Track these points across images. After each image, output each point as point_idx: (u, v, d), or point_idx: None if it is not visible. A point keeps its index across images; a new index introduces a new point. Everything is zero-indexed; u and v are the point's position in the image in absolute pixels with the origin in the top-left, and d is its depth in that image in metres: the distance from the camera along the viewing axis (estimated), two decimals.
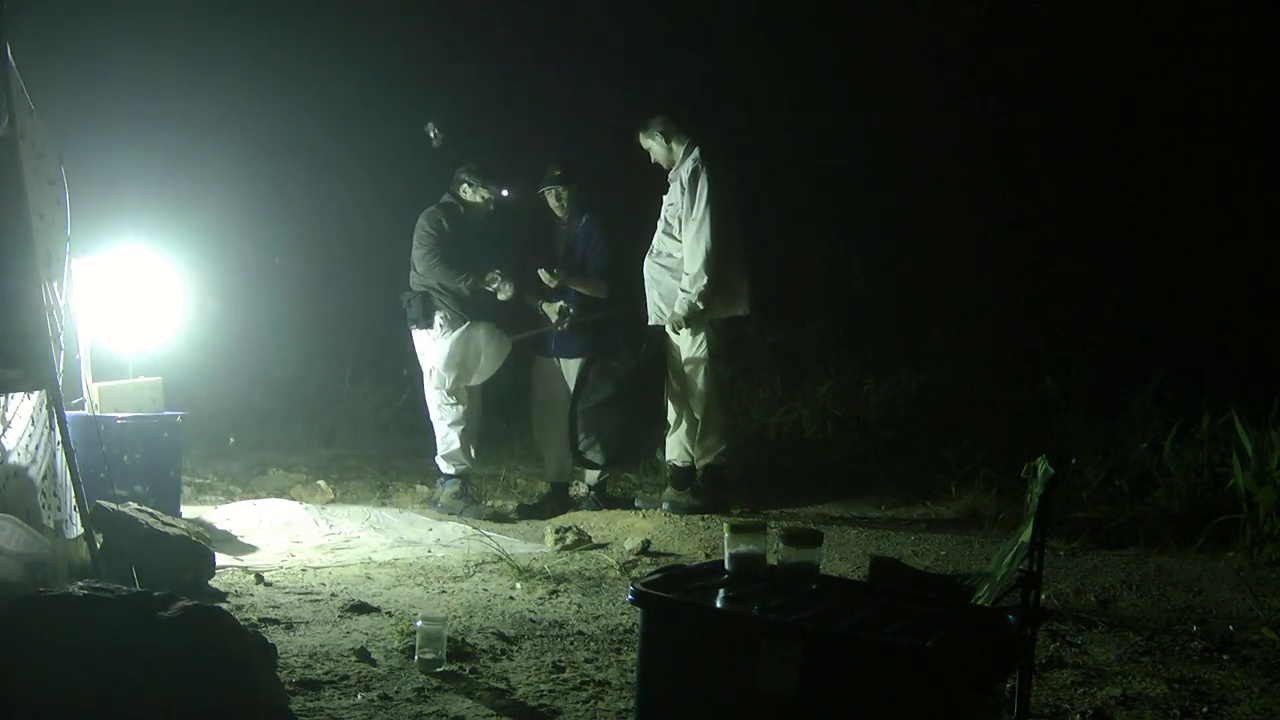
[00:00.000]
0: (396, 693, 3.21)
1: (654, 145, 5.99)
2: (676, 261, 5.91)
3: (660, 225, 6.02)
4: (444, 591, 4.42)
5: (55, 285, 4.19)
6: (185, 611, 2.71)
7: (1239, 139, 8.55)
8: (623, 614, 4.14)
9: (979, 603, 2.77)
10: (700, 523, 5.70)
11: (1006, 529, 4.83)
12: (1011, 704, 2.67)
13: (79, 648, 2.58)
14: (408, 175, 6.68)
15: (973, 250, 8.79)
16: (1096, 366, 7.20)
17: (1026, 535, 2.67)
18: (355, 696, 3.17)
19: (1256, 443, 5.23)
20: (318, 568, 4.79)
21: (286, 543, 5.32)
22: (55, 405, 3.98)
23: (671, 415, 6.10)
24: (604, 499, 6.23)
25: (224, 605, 3.87)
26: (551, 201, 6.17)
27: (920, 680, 2.13)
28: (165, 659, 2.60)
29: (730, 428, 6.15)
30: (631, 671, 3.38)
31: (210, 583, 4.30)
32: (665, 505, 5.96)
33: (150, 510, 4.51)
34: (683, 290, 5.82)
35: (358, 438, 8.07)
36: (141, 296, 5.43)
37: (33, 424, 4.09)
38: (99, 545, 4.03)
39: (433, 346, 6.11)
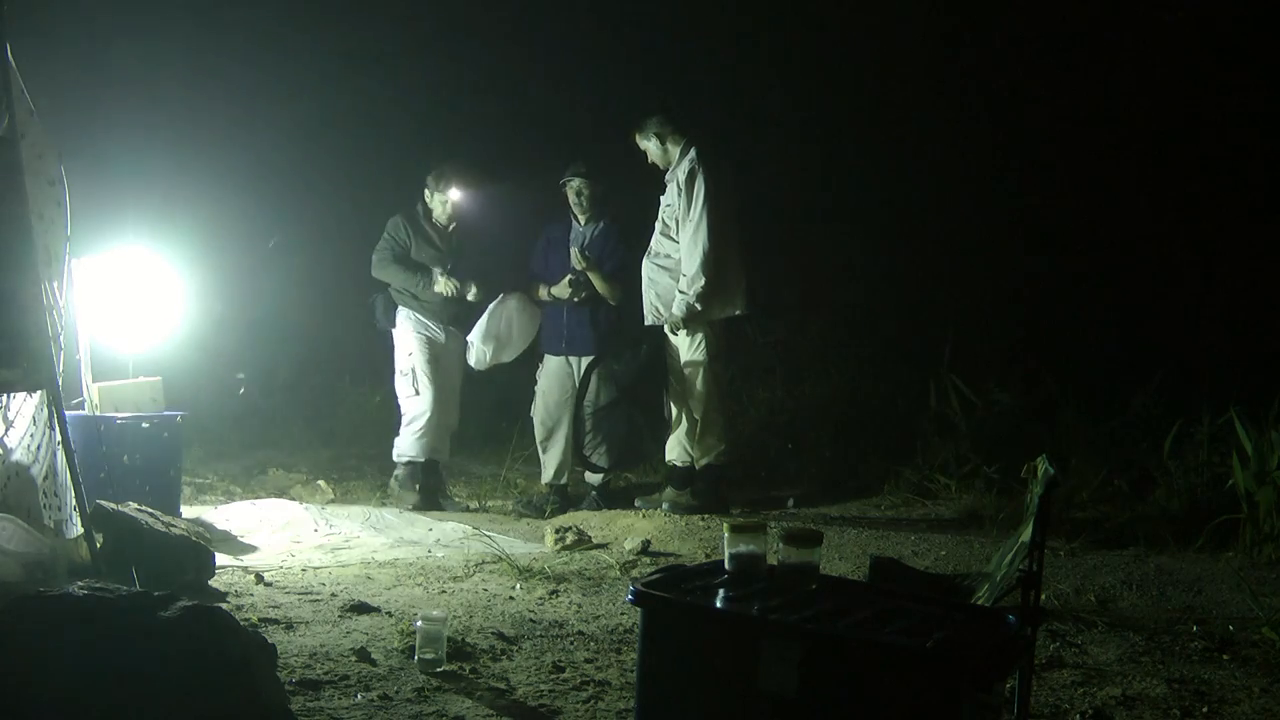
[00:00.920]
0: (396, 693, 3.21)
1: (650, 146, 5.98)
2: (674, 262, 5.91)
3: (658, 226, 6.02)
4: (444, 591, 4.43)
5: (55, 285, 4.20)
6: (185, 611, 2.71)
7: (1239, 138, 8.55)
8: (623, 614, 4.14)
9: (979, 603, 2.76)
10: (700, 523, 5.70)
11: (1006, 529, 4.83)
12: (1011, 704, 2.67)
13: (79, 648, 2.58)
14: (408, 175, 6.70)
15: (973, 250, 8.79)
16: (1096, 366, 7.19)
17: (1026, 535, 2.67)
18: (355, 696, 3.17)
19: (1256, 443, 5.23)
20: (318, 568, 4.79)
21: (286, 543, 5.32)
22: (55, 405, 3.98)
23: (671, 415, 6.10)
24: (605, 499, 6.23)
25: (224, 605, 3.87)
26: (571, 198, 6.19)
27: (920, 680, 2.13)
28: (165, 659, 2.60)
29: (730, 428, 6.15)
30: (631, 671, 3.38)
31: (210, 583, 4.30)
32: (665, 505, 5.96)
33: (150, 510, 4.51)
34: (680, 291, 5.82)
35: (358, 438, 8.07)
36: (141, 296, 5.44)
37: (33, 424, 4.10)
38: (99, 545, 4.03)
39: (402, 341, 6.32)
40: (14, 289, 3.78)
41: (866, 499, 6.52)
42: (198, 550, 4.33)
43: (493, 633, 3.81)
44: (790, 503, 6.39)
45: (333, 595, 4.27)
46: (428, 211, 6.36)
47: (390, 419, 8.53)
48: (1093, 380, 6.90)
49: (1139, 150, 8.80)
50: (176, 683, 2.59)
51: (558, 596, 4.39)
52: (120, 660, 2.58)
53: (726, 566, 2.61)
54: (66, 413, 4.12)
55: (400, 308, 6.35)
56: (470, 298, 6.22)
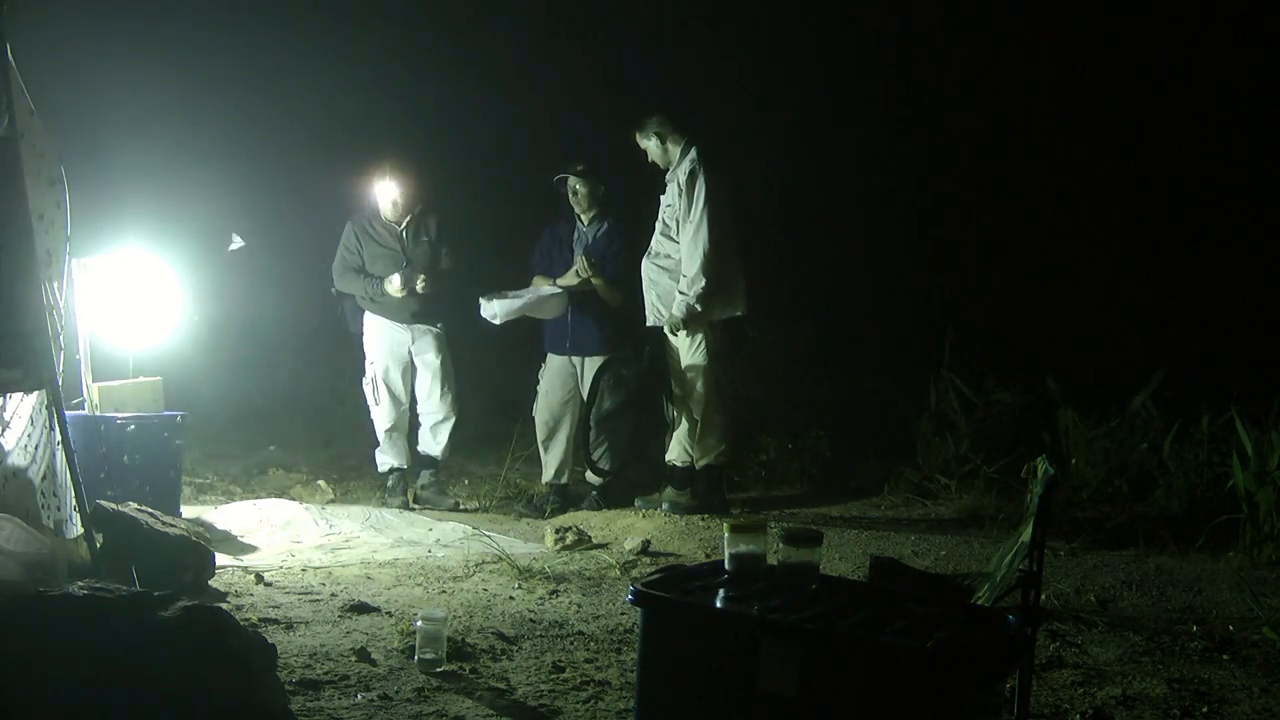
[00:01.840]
0: (396, 693, 3.22)
1: (650, 145, 5.97)
2: (674, 263, 5.90)
3: (658, 227, 6.02)
4: (444, 591, 4.43)
5: (55, 285, 4.20)
6: (185, 611, 2.71)
7: (1240, 138, 8.55)
8: (623, 614, 4.14)
9: (979, 603, 2.76)
10: (700, 523, 5.70)
11: (1006, 529, 4.83)
12: (1011, 704, 2.67)
13: (79, 648, 2.58)
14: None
15: (973, 250, 8.79)
16: (1096, 366, 7.19)
17: (1026, 535, 2.67)
18: (355, 696, 3.17)
19: (1256, 443, 5.23)
20: (318, 568, 4.79)
21: (286, 543, 5.32)
22: (55, 405, 3.98)
23: (672, 416, 6.10)
24: (605, 499, 6.23)
25: (224, 605, 3.87)
26: (569, 195, 6.19)
27: (920, 680, 2.13)
28: (165, 659, 2.60)
29: (730, 428, 6.15)
30: (631, 671, 3.38)
31: (210, 583, 4.30)
32: (665, 505, 5.96)
33: (150, 510, 4.51)
34: (681, 292, 5.82)
35: (358, 438, 8.05)
36: (141, 296, 5.44)
37: (31, 424, 4.10)
38: (99, 545, 4.03)
39: (368, 348, 6.37)
40: (14, 289, 3.78)
41: (866, 499, 6.52)
42: (198, 550, 4.33)
43: (493, 633, 3.81)
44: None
45: (333, 595, 4.27)
46: (376, 211, 6.31)
47: None
48: (1093, 380, 6.90)
49: (1140, 149, 8.80)
50: (176, 683, 2.59)
51: (558, 596, 4.39)
52: (120, 660, 2.58)
53: (726, 566, 2.61)
54: (66, 413, 4.12)
55: (365, 312, 6.35)
56: (419, 289, 6.13)
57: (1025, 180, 8.94)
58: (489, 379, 6.84)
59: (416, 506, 6.28)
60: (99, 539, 4.06)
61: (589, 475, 6.31)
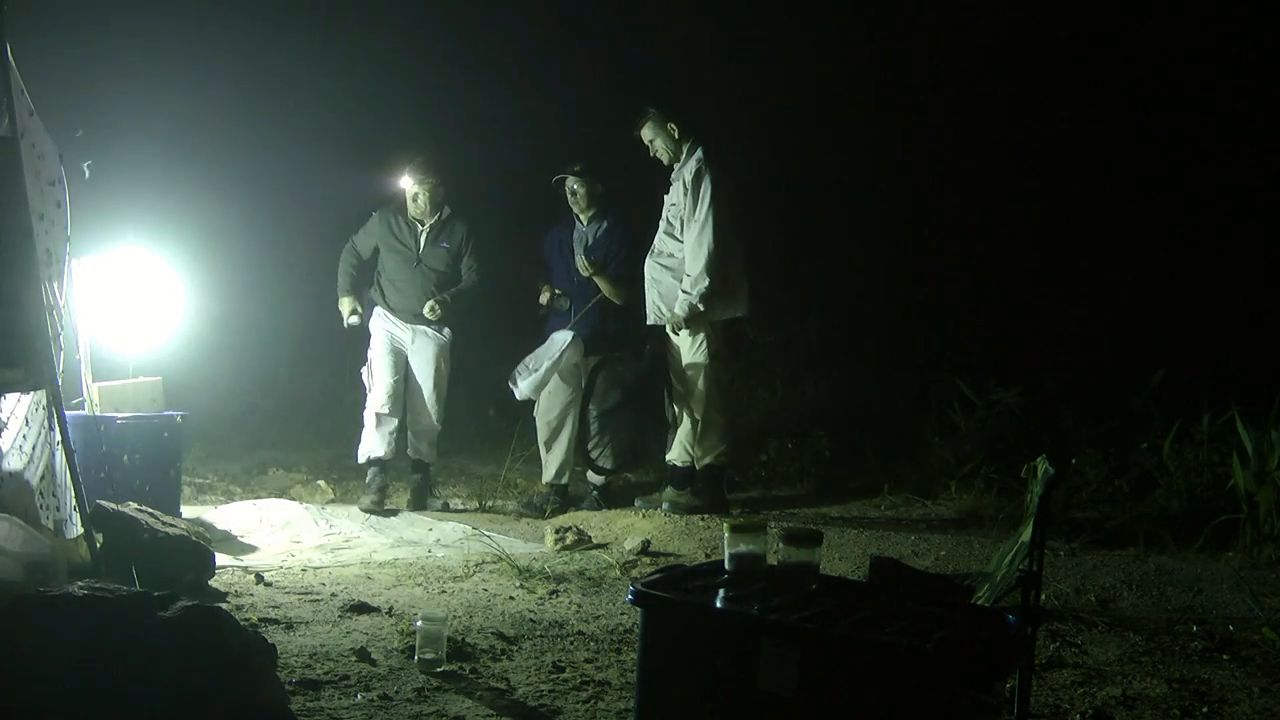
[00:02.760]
0: (396, 693, 3.21)
1: (658, 140, 5.95)
2: (677, 261, 5.90)
3: (661, 225, 6.01)
4: (444, 591, 4.43)
5: (55, 285, 4.20)
6: (185, 611, 2.71)
7: (1240, 137, 8.55)
8: (623, 614, 4.14)
9: (979, 603, 2.76)
10: (700, 523, 5.70)
11: (1006, 529, 4.83)
12: (1011, 704, 2.67)
13: (79, 648, 2.58)
14: None
15: (973, 249, 8.79)
16: (1096, 366, 7.20)
17: (1026, 535, 2.67)
18: (355, 696, 3.17)
19: (1256, 443, 5.23)
20: (318, 568, 4.80)
21: (286, 543, 5.32)
22: (55, 405, 3.98)
23: (672, 416, 6.10)
24: (605, 499, 6.23)
25: (224, 605, 3.87)
26: (568, 195, 6.19)
27: (920, 680, 2.13)
28: (165, 659, 2.60)
29: (730, 428, 6.15)
30: (631, 671, 3.38)
31: (210, 583, 4.30)
32: (665, 505, 5.96)
33: (150, 510, 4.51)
34: (684, 291, 5.81)
35: (358, 437, 8.08)
36: (141, 296, 5.44)
37: (27, 424, 4.10)
38: (99, 545, 4.03)
39: (371, 335, 6.35)
40: (14, 289, 3.78)
41: (866, 499, 6.52)
42: (198, 550, 4.33)
43: (493, 633, 3.81)
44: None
45: (333, 595, 4.27)
46: (403, 206, 6.29)
47: None
48: (1093, 380, 6.90)
49: (1143, 149, 8.80)
50: (176, 683, 2.59)
51: (558, 596, 4.39)
52: (120, 660, 2.58)
53: (726, 566, 2.61)
54: (66, 413, 4.12)
55: (375, 305, 6.36)
56: (428, 314, 6.15)
57: (1026, 180, 8.95)
58: (490, 379, 6.83)
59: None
60: (99, 539, 4.06)
61: (589, 475, 6.31)
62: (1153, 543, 5.18)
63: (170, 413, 5.45)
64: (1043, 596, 3.09)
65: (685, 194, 5.83)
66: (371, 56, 9.90)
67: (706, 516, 5.79)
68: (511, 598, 4.35)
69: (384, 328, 6.31)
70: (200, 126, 9.18)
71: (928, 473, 6.62)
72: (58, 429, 4.02)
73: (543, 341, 6.27)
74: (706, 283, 5.75)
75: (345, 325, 6.36)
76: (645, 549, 5.16)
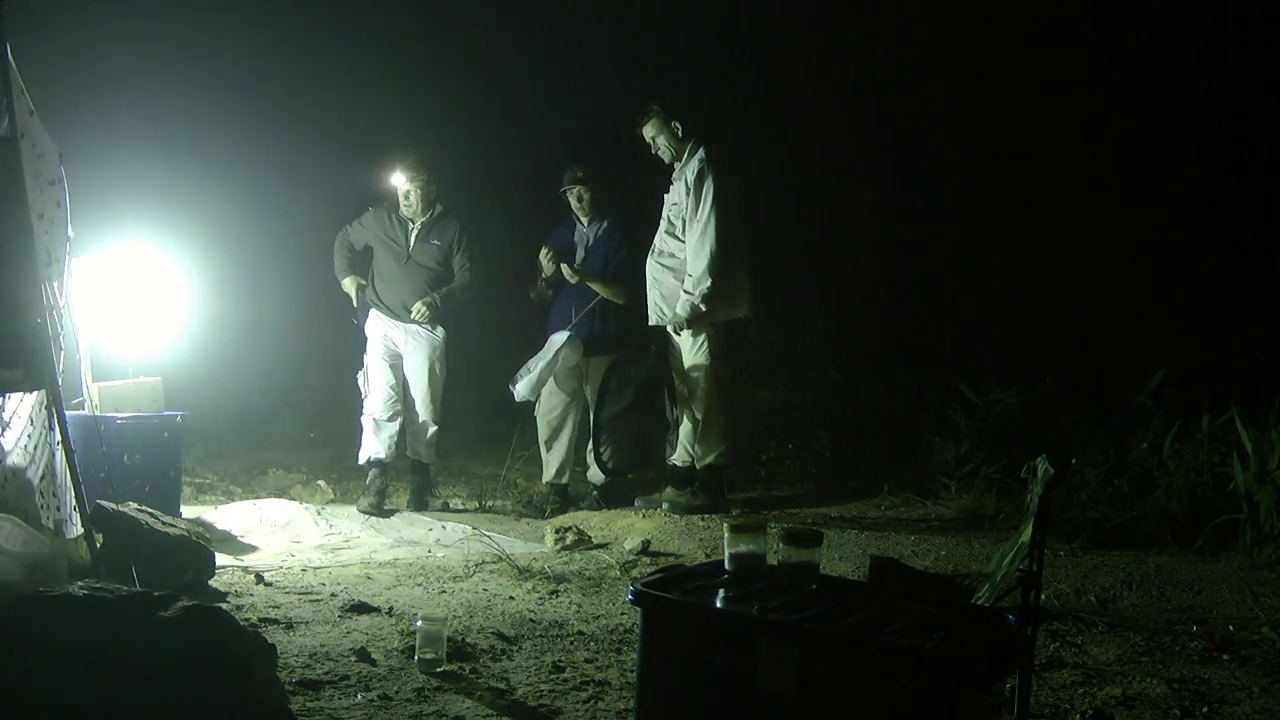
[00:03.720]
0: (396, 693, 3.21)
1: (660, 136, 5.93)
2: (678, 262, 5.89)
3: (662, 225, 6.01)
4: (444, 591, 4.43)
5: (55, 285, 4.20)
6: (185, 611, 2.71)
7: (1240, 137, 8.55)
8: (623, 614, 4.14)
9: (979, 603, 2.76)
10: (700, 523, 5.70)
11: (1006, 529, 4.83)
12: (1011, 704, 2.67)
13: (79, 648, 2.58)
14: None
15: (973, 249, 8.79)
16: (1096, 366, 7.19)
17: (1026, 535, 2.67)
18: (355, 696, 3.17)
19: (1256, 443, 5.23)
20: (318, 568, 4.80)
21: (286, 543, 5.32)
22: (55, 405, 3.98)
23: (673, 416, 6.10)
24: (605, 499, 6.23)
25: (224, 605, 3.88)
26: (573, 203, 6.21)
27: (920, 680, 2.13)
28: (165, 659, 2.60)
29: (731, 428, 6.15)
30: (631, 671, 3.38)
31: (210, 583, 4.30)
32: (665, 505, 5.96)
33: (150, 510, 4.51)
34: (685, 292, 5.81)
35: (357, 438, 8.08)
36: (142, 296, 5.44)
37: (30, 424, 4.10)
38: (99, 545, 4.03)
39: (368, 335, 6.37)
40: (14, 289, 3.78)
41: (866, 499, 6.52)
42: (198, 550, 4.33)
43: (493, 633, 3.81)
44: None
45: (333, 595, 4.27)
46: (396, 203, 6.30)
47: None
48: (1093, 380, 6.90)
49: (1140, 150, 8.80)
50: (176, 683, 2.59)
51: (558, 596, 4.39)
52: (120, 660, 2.58)
53: (726, 566, 2.61)
54: (66, 413, 4.12)
55: (370, 306, 6.36)
56: (416, 317, 6.17)
57: (1026, 180, 8.95)
58: (490, 379, 6.82)
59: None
60: (99, 539, 4.06)
61: (589, 475, 6.31)
62: (1153, 543, 5.18)
63: (170, 413, 5.45)
64: (1043, 596, 3.10)
65: (687, 194, 5.83)
66: (374, 52, 9.90)
67: (706, 516, 5.79)
68: (511, 598, 4.35)
69: (379, 331, 6.31)
70: (201, 126, 9.18)
71: (928, 473, 6.61)
72: (58, 429, 4.02)
73: (544, 342, 6.29)
74: (709, 283, 5.75)
75: (354, 304, 6.34)
76: (645, 549, 5.16)
